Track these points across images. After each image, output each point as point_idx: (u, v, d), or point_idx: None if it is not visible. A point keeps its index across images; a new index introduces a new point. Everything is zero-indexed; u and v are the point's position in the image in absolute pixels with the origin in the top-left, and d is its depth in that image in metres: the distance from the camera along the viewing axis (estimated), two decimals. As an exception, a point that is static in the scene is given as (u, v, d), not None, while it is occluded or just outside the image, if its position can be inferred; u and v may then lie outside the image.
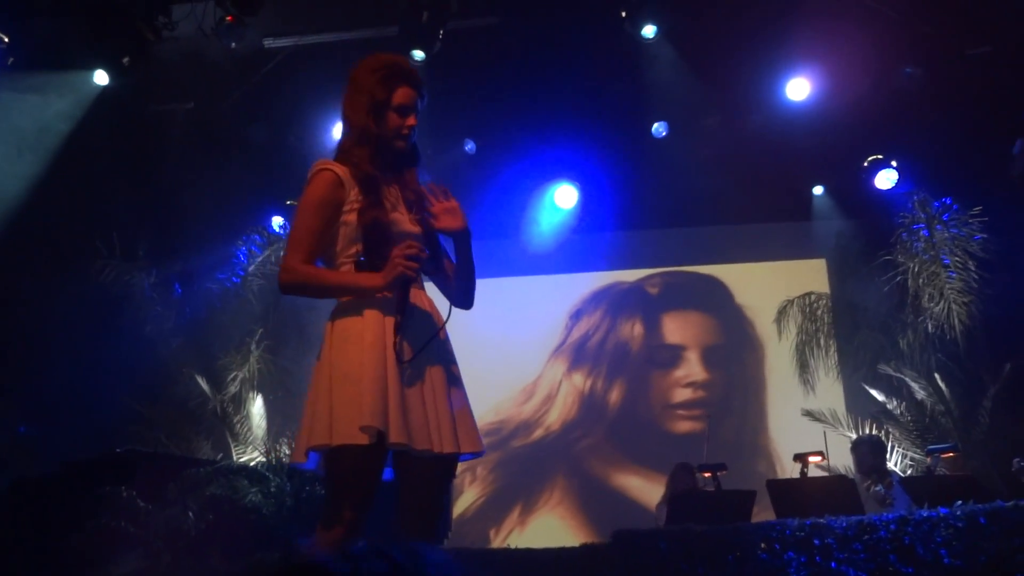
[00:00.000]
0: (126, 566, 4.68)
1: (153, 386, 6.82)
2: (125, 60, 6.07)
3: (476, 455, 2.48)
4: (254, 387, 7.03)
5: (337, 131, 7.39)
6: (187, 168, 7.28)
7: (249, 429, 6.76)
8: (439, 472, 2.43)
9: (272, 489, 5.34)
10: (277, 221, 7.82)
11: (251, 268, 7.48)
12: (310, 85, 6.96)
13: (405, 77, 2.59)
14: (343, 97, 2.66)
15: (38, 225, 6.64)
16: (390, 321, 2.41)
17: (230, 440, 6.61)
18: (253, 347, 7.09)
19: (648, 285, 8.25)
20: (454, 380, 2.48)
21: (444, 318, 2.53)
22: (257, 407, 7.04)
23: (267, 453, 6.13)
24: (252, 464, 5.98)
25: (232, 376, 6.94)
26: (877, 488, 5.30)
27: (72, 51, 6.32)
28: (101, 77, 6.45)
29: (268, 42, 7.01)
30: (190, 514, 4.97)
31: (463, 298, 2.58)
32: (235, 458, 6.39)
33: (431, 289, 2.60)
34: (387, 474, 2.49)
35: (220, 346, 7.17)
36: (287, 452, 5.83)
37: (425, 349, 2.40)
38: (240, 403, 6.91)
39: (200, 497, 5.08)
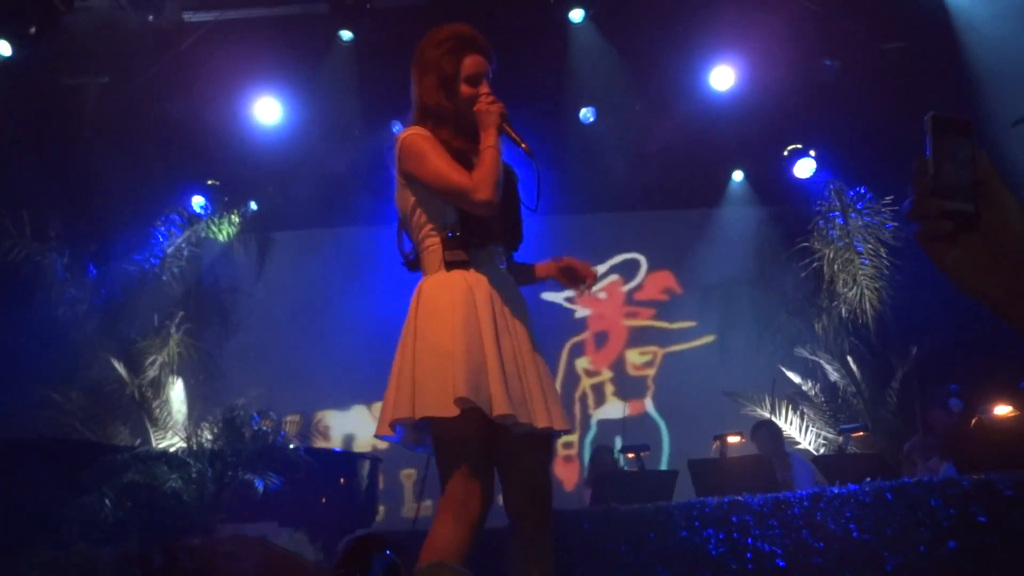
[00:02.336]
0: (38, 555, 4.54)
1: (66, 371, 6.58)
2: (32, 30, 5.80)
3: (565, 433, 2.46)
4: (174, 371, 6.86)
5: (259, 109, 7.25)
6: (102, 145, 7.02)
7: (169, 414, 6.60)
8: (542, 450, 2.40)
9: (193, 475, 5.25)
10: (198, 201, 7.62)
11: (170, 249, 7.27)
12: (233, 61, 6.78)
13: (471, 44, 2.52)
14: (412, 76, 2.56)
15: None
16: (483, 292, 2.37)
17: (149, 425, 6.44)
18: (173, 330, 6.91)
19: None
20: (540, 355, 2.45)
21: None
22: (177, 391, 6.88)
23: (188, 438, 5.99)
24: (172, 450, 5.85)
25: (151, 360, 6.76)
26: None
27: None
28: (4, 48, 6.16)
29: (188, 16, 6.79)
30: (107, 501, 4.85)
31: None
32: (154, 444, 6.24)
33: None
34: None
35: (138, 329, 6.96)
36: (208, 437, 5.71)
37: (513, 323, 2.39)
38: (159, 387, 6.74)
39: (117, 484, 4.96)
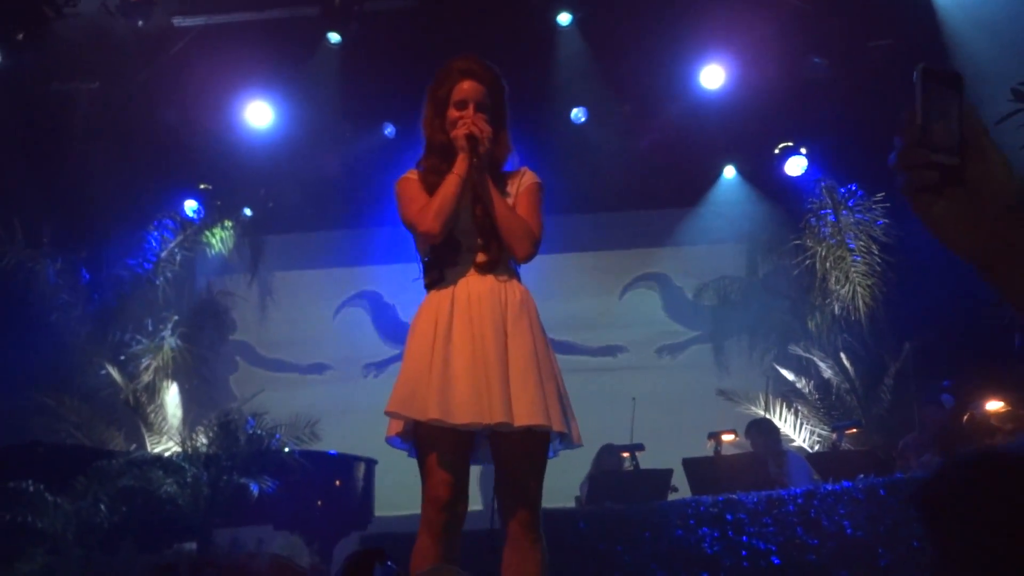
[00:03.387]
0: (33, 561, 4.53)
1: (60, 376, 6.58)
2: (20, 36, 5.79)
3: (540, 428, 2.47)
4: (168, 375, 6.86)
5: (250, 113, 7.25)
6: (94, 150, 7.01)
7: (163, 419, 6.59)
8: (526, 448, 2.49)
9: (188, 479, 5.24)
10: (190, 205, 7.61)
11: (163, 254, 7.27)
12: (222, 65, 6.77)
13: (463, 71, 2.67)
14: None
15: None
16: (445, 306, 2.55)
17: (144, 430, 6.43)
18: (167, 335, 6.91)
19: (562, 269, 8.33)
20: (521, 353, 2.51)
21: (520, 294, 2.61)
22: (172, 396, 6.88)
23: (183, 443, 5.98)
24: (167, 454, 5.84)
25: (145, 365, 6.75)
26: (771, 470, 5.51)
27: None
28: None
29: (177, 20, 6.78)
30: (102, 507, 4.84)
31: (514, 247, 2.61)
32: (149, 448, 6.23)
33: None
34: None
35: (132, 334, 6.96)
36: (203, 441, 5.70)
37: (483, 326, 2.50)
38: (154, 392, 6.73)
39: (112, 489, 4.95)
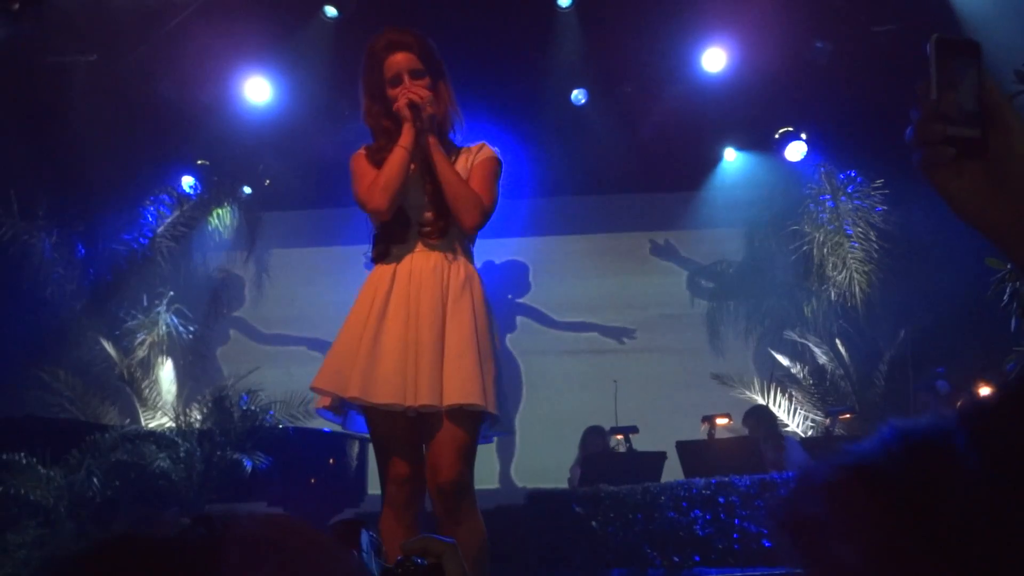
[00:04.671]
0: (26, 533, 4.54)
1: (55, 350, 6.57)
2: (15, 6, 5.73)
3: (472, 408, 2.44)
4: (163, 351, 6.85)
5: (249, 88, 7.20)
6: (91, 124, 6.95)
7: (158, 394, 6.60)
8: (448, 430, 2.45)
9: (182, 454, 5.25)
10: (187, 181, 7.58)
11: (160, 229, 7.24)
12: (222, 40, 6.72)
13: (386, 48, 2.61)
14: None
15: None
16: (384, 283, 2.54)
17: (138, 405, 6.43)
18: (162, 310, 6.90)
19: (562, 252, 8.33)
20: (459, 333, 2.47)
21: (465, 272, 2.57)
22: (167, 371, 6.87)
23: (177, 418, 5.99)
24: (161, 430, 5.84)
25: (140, 340, 6.75)
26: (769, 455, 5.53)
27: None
28: (-12, 25, 6.09)
29: (177, -7, 6.72)
30: (95, 480, 4.85)
31: (459, 215, 2.56)
32: (143, 423, 6.23)
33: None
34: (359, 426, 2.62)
35: (127, 309, 6.94)
36: (197, 417, 5.71)
37: (419, 305, 2.47)
38: (148, 367, 6.73)
39: (105, 463, 4.96)
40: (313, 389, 2.53)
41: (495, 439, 2.72)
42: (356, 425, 2.65)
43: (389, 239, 2.59)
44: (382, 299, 2.51)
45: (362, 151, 2.68)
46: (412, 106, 2.52)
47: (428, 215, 2.58)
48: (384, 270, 2.57)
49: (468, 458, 2.48)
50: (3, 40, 6.10)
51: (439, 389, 2.41)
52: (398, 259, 2.57)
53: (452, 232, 2.59)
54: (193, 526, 0.60)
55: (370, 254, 2.64)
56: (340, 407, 2.58)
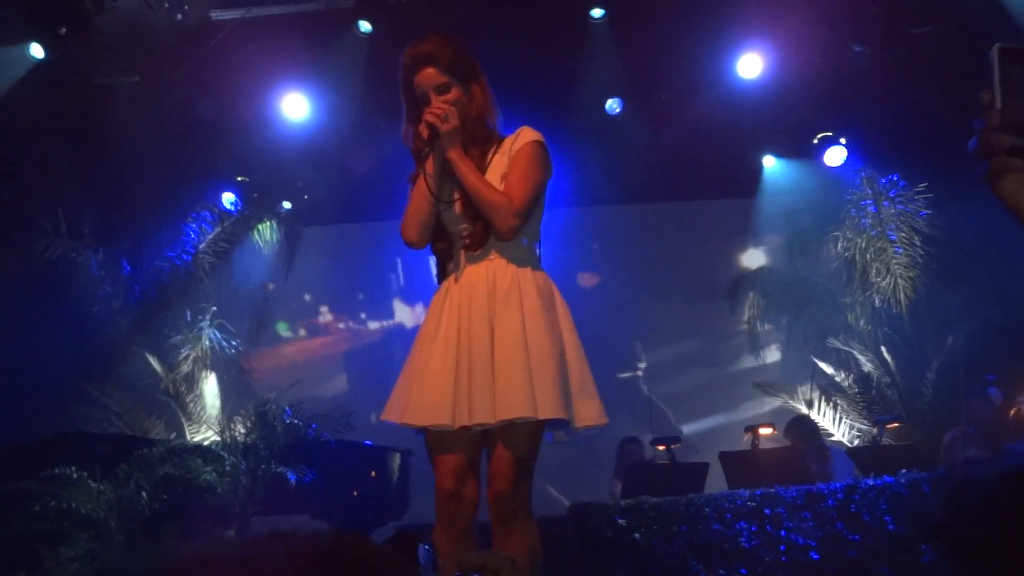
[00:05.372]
0: (77, 547, 4.62)
1: (103, 366, 6.69)
2: (62, 31, 5.88)
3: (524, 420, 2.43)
4: (207, 366, 6.94)
5: (286, 105, 7.29)
6: (134, 143, 7.09)
7: (202, 408, 6.67)
8: (510, 440, 2.46)
9: (227, 468, 5.31)
10: (228, 198, 7.68)
11: (202, 245, 7.35)
12: (260, 58, 6.82)
13: (410, 66, 2.59)
14: None
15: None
16: (439, 302, 2.58)
17: (183, 419, 6.52)
18: (205, 325, 6.99)
19: (600, 261, 8.31)
20: (507, 342, 2.45)
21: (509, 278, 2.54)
22: (210, 386, 6.95)
23: (221, 432, 6.06)
24: (206, 443, 5.92)
25: (184, 355, 6.84)
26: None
27: (5, 24, 6.10)
28: (37, 50, 6.24)
29: (215, 14, 6.84)
30: (143, 494, 4.92)
31: (492, 221, 2.55)
32: (189, 437, 6.31)
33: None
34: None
35: (171, 325, 7.05)
36: (241, 431, 5.78)
37: (470, 320, 2.48)
38: (193, 382, 6.82)
39: (153, 477, 5.03)
40: (383, 420, 2.60)
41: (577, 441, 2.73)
42: None
43: (443, 258, 2.64)
44: (436, 320, 2.54)
45: (410, 190, 2.72)
46: (430, 127, 2.50)
47: (464, 227, 2.58)
48: (441, 289, 2.61)
49: (522, 470, 2.47)
50: (51, 63, 6.26)
51: (492, 405, 2.40)
52: (453, 276, 2.60)
53: (494, 239, 2.57)
54: (269, 542, 0.61)
55: (435, 275, 2.70)
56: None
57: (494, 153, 2.61)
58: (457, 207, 2.57)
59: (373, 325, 8.33)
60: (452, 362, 2.45)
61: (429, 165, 2.54)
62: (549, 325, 2.51)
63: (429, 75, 2.55)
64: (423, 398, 2.45)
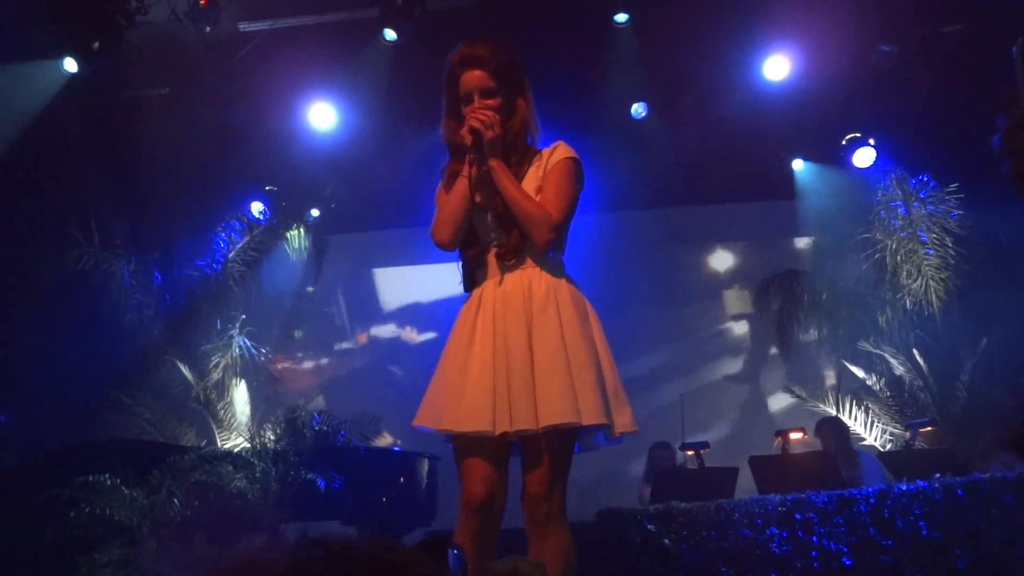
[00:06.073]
0: (110, 553, 4.68)
1: (134, 374, 6.78)
2: (95, 45, 5.98)
3: (567, 427, 2.44)
4: (237, 373, 7.01)
5: (313, 115, 7.36)
6: (164, 154, 7.20)
7: (233, 415, 6.74)
8: (549, 445, 2.47)
9: (257, 475, 5.36)
10: (256, 207, 7.77)
11: (231, 254, 7.43)
12: (287, 68, 6.90)
13: (460, 64, 2.61)
14: None
15: (13, 215, 6.57)
16: (472, 308, 2.57)
17: (214, 427, 6.59)
18: (235, 333, 7.06)
19: (628, 266, 8.28)
20: (545, 349, 2.47)
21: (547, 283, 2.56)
22: (240, 393, 7.02)
23: (251, 439, 6.11)
24: (237, 450, 5.97)
25: (214, 363, 6.92)
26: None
27: (39, 39, 6.22)
28: (71, 64, 6.36)
29: (243, 26, 6.93)
30: (175, 500, 4.97)
31: (530, 233, 2.56)
32: (219, 444, 6.38)
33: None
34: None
35: (202, 333, 7.13)
36: (271, 437, 5.83)
37: (505, 328, 2.48)
38: (223, 389, 6.89)
39: (185, 483, 5.09)
40: (415, 426, 2.59)
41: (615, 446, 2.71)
42: None
43: (472, 265, 2.64)
44: (470, 327, 2.54)
45: (441, 184, 2.72)
46: (473, 132, 2.52)
47: (498, 236, 2.59)
48: (472, 298, 2.60)
49: (559, 474, 2.50)
50: (84, 77, 6.37)
51: (533, 411, 2.41)
52: (482, 284, 2.60)
53: (528, 249, 2.58)
54: (312, 549, 0.62)
55: (462, 282, 2.68)
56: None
57: (529, 166, 2.64)
58: (490, 216, 2.59)
59: (403, 333, 8.37)
60: (490, 370, 2.45)
61: (467, 167, 2.56)
62: (585, 333, 2.54)
63: (478, 76, 2.58)
64: (463, 404, 2.45)
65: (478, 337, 2.51)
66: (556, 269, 2.63)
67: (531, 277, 2.55)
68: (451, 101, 2.64)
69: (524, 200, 2.54)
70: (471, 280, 2.64)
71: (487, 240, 2.61)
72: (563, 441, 2.49)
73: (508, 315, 2.50)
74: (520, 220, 2.53)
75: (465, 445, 2.50)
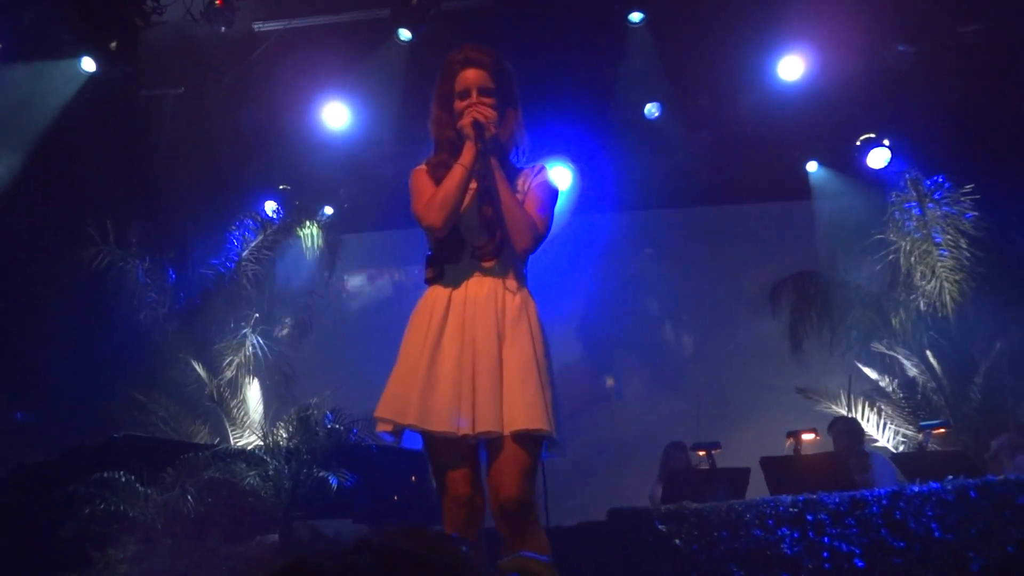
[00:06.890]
0: (126, 549, 4.72)
1: (149, 372, 6.82)
2: (112, 45, 6.03)
3: (538, 433, 2.46)
4: (250, 371, 7.04)
5: (327, 114, 7.38)
6: (178, 153, 7.25)
7: (246, 413, 6.78)
8: (511, 452, 2.47)
9: (270, 472, 5.38)
10: (270, 206, 7.80)
11: (245, 253, 7.47)
12: (301, 68, 6.93)
13: (461, 62, 2.65)
14: None
15: (30, 214, 6.63)
16: (440, 306, 2.55)
17: (227, 424, 6.63)
18: (248, 332, 7.10)
19: (640, 265, 8.28)
20: (519, 359, 2.49)
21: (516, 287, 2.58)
22: (254, 391, 7.06)
23: (264, 437, 6.15)
24: (250, 448, 6.00)
25: (228, 361, 6.95)
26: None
27: (59, 39, 6.28)
28: (88, 64, 6.41)
29: (258, 25, 6.97)
30: (189, 498, 5.01)
31: (513, 237, 2.57)
32: (232, 442, 6.41)
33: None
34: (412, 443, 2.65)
35: (215, 331, 7.17)
36: (284, 435, 5.85)
37: (474, 331, 2.49)
38: (236, 387, 6.92)
39: (199, 481, 5.12)
40: (376, 418, 2.56)
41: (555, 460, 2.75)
42: (410, 441, 2.68)
43: (443, 259, 2.61)
44: (437, 324, 2.53)
45: (423, 166, 2.70)
46: (476, 125, 2.54)
47: (482, 236, 2.59)
48: (439, 293, 2.58)
49: (531, 478, 2.51)
50: (101, 77, 6.42)
51: (500, 415, 2.43)
52: (454, 282, 2.58)
53: (505, 254, 2.60)
54: (357, 551, 0.63)
55: (425, 274, 2.65)
56: (400, 429, 2.60)
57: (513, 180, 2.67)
58: (480, 210, 2.60)
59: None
60: (456, 371, 2.47)
61: (467, 157, 2.56)
62: (547, 353, 2.59)
63: (479, 75, 2.62)
64: (431, 403, 2.46)
65: (447, 337, 2.51)
66: (523, 280, 2.66)
67: (505, 286, 2.58)
68: (444, 94, 2.67)
69: (516, 205, 2.57)
70: (438, 273, 2.61)
71: (466, 236, 2.61)
72: (533, 448, 2.50)
73: (478, 317, 2.51)
74: (508, 222, 2.55)
75: (444, 445, 2.50)
